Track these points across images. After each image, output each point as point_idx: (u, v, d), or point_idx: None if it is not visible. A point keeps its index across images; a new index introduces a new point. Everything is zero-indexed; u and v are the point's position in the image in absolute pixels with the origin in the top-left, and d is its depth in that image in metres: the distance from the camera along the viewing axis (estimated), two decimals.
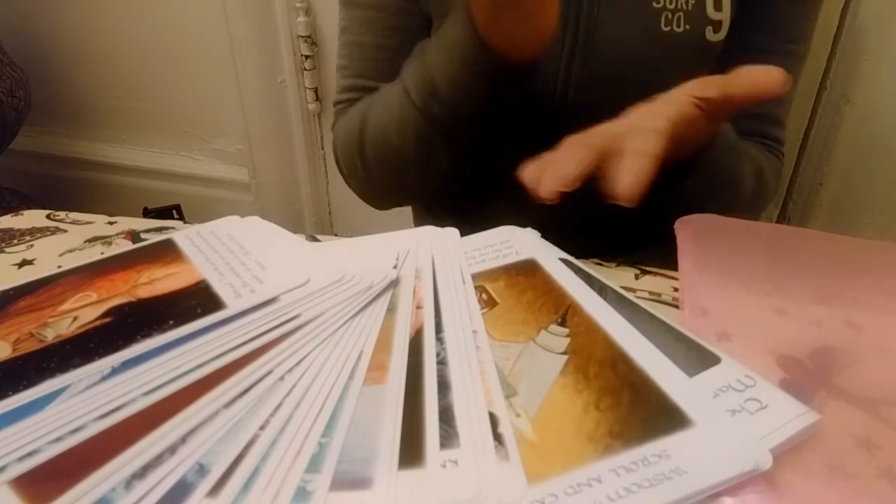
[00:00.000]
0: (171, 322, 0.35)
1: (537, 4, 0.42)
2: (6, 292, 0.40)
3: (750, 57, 0.58)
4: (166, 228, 0.49)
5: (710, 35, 0.53)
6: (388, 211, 0.69)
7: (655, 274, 0.42)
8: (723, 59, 0.57)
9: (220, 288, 0.38)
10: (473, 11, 0.44)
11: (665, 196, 0.49)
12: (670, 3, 0.52)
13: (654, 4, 0.52)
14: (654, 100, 0.41)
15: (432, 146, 0.53)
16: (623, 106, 0.41)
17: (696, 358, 0.32)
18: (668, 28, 0.52)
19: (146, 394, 0.30)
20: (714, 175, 0.51)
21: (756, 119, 0.61)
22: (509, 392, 0.30)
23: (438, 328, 0.34)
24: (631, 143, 0.37)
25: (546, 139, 0.40)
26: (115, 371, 0.32)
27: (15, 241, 0.47)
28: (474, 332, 0.34)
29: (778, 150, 0.64)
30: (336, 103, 0.65)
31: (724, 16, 0.54)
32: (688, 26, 0.52)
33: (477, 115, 0.49)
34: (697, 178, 0.49)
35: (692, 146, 0.46)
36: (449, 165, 0.54)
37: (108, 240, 0.47)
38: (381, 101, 0.56)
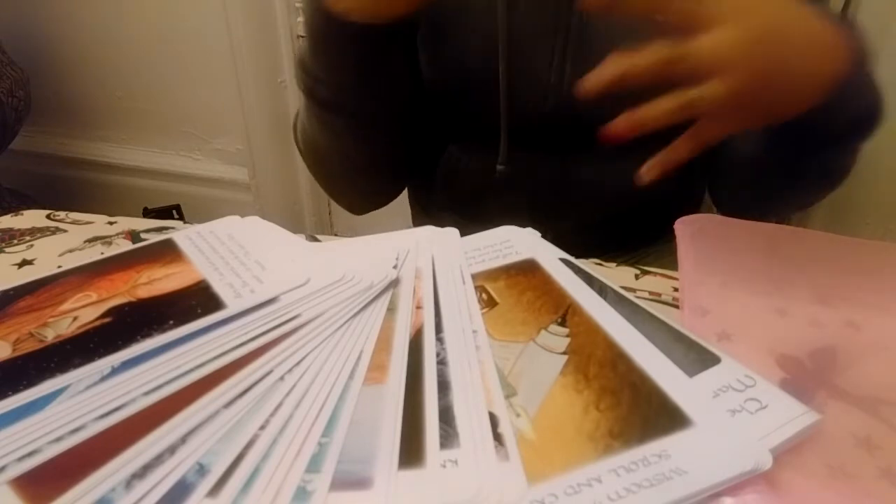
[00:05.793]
0: (171, 322, 0.35)
1: None
2: (6, 292, 0.40)
3: None
4: (166, 228, 0.49)
5: None
6: (388, 211, 0.69)
7: (655, 274, 0.42)
8: None
9: (220, 288, 0.38)
10: None
11: None
12: None
13: None
14: None
15: (332, 130, 0.54)
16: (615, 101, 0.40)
17: (696, 358, 0.32)
18: None
19: (146, 394, 0.30)
20: None
21: None
22: (509, 392, 0.30)
23: (438, 328, 0.34)
24: None
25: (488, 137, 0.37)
26: (115, 371, 0.32)
27: (15, 241, 0.47)
28: (474, 332, 0.34)
29: None
30: None
31: None
32: None
33: (347, 83, 0.50)
34: None
35: None
36: (360, 150, 0.56)
37: (108, 240, 0.47)
38: None
